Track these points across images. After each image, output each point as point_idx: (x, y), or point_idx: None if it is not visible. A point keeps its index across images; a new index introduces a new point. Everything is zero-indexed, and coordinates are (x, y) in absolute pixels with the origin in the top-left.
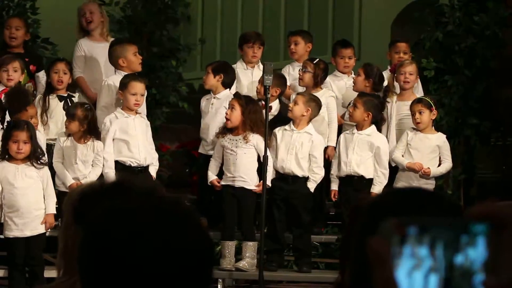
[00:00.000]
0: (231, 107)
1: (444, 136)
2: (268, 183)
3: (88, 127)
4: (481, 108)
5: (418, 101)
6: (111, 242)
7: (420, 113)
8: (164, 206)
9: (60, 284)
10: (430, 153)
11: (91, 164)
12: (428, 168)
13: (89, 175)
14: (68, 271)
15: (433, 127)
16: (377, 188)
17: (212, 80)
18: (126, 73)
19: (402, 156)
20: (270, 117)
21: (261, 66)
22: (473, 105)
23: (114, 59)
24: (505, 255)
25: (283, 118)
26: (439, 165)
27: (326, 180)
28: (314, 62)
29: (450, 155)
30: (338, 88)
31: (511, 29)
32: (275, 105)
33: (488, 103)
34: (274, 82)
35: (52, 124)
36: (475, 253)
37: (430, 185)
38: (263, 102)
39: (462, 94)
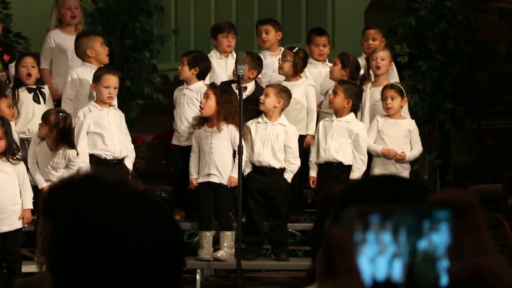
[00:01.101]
0: (205, 96)
1: (413, 121)
2: (243, 173)
3: (58, 135)
4: (455, 92)
5: (391, 86)
6: (79, 236)
7: (392, 98)
8: (133, 198)
9: (41, 278)
10: (402, 138)
11: (63, 172)
12: (403, 152)
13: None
14: (46, 266)
15: (400, 113)
16: (356, 174)
17: (187, 72)
18: (91, 65)
19: (374, 143)
20: (244, 96)
21: (235, 55)
22: (447, 90)
23: (81, 51)
24: (467, 241)
25: (257, 99)
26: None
27: (304, 169)
28: (294, 51)
29: (420, 139)
30: (313, 76)
31: (483, 13)
32: (250, 86)
33: (462, 87)
34: (250, 65)
35: (22, 116)
36: (439, 238)
37: (406, 169)
38: (244, 86)
39: (436, 79)
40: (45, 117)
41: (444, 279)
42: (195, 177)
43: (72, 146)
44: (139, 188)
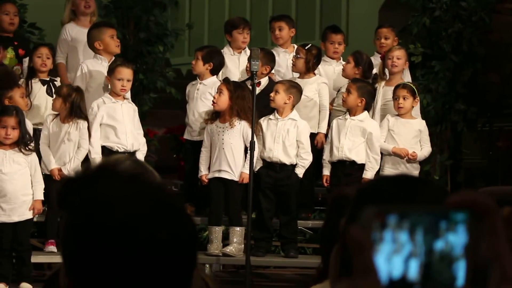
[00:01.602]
0: (219, 91)
1: (424, 121)
2: (254, 169)
3: (71, 106)
4: (468, 93)
5: (403, 86)
6: (92, 228)
7: (404, 98)
8: (147, 191)
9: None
10: (413, 138)
11: (75, 144)
12: (414, 152)
13: (74, 158)
14: None
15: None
16: (369, 173)
17: (201, 67)
18: (102, 57)
19: (385, 142)
20: (257, 91)
21: (248, 52)
22: (460, 91)
23: (91, 43)
24: (484, 243)
25: (270, 93)
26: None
27: (315, 165)
28: (306, 48)
29: (429, 140)
30: (327, 73)
31: (498, 14)
32: (263, 82)
33: (475, 88)
34: (263, 60)
35: (35, 108)
36: (455, 239)
37: (416, 169)
38: (257, 82)
39: (449, 79)
40: (58, 91)
41: (460, 280)
42: (205, 174)
43: (85, 118)
44: (153, 181)
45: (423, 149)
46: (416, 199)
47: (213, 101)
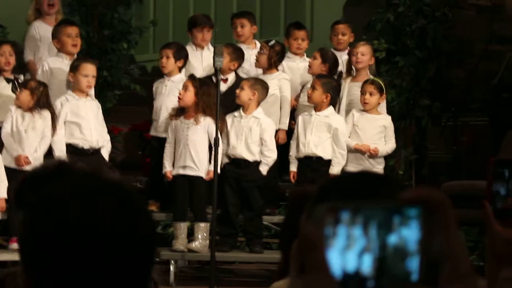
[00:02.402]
0: (185, 88)
1: (390, 117)
2: (218, 167)
3: (38, 100)
4: (432, 89)
5: (371, 82)
6: (48, 225)
7: (370, 94)
8: (104, 188)
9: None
10: (377, 133)
11: (40, 133)
12: (376, 147)
13: (39, 148)
14: None
15: (377, 109)
16: (336, 168)
17: (173, 65)
18: (63, 55)
19: (349, 137)
20: (225, 88)
21: (211, 48)
22: (424, 86)
23: (52, 41)
24: (437, 238)
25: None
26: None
27: (279, 161)
28: (270, 44)
29: (394, 136)
30: (291, 69)
31: (461, 10)
32: (230, 78)
33: (439, 84)
34: (232, 56)
35: (1, 106)
36: (409, 233)
37: (380, 164)
38: (223, 78)
39: (413, 75)
40: (24, 84)
41: (414, 275)
42: (169, 170)
43: (50, 107)
44: (112, 178)
45: (387, 145)
46: (376, 196)
47: (178, 97)
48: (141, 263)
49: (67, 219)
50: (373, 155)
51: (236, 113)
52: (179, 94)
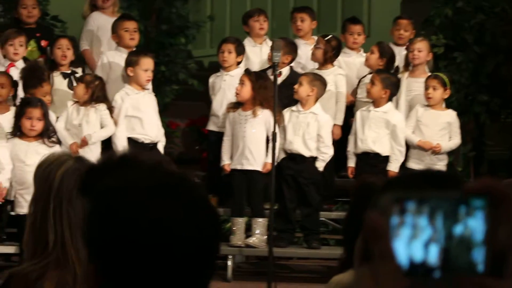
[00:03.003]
0: (241, 82)
1: (455, 113)
2: (276, 160)
3: (93, 93)
4: (491, 85)
5: (434, 77)
6: (116, 217)
7: (434, 88)
8: (170, 181)
9: (29, 267)
10: (441, 129)
11: (94, 127)
12: (438, 144)
13: (98, 133)
14: (38, 251)
15: (443, 105)
16: (394, 165)
17: (234, 59)
18: (122, 49)
19: (413, 133)
20: (279, 82)
21: (269, 43)
22: (483, 82)
23: (111, 35)
24: (501, 230)
25: (293, 82)
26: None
27: (335, 157)
28: (326, 38)
29: (459, 132)
30: (348, 64)
31: None
32: (285, 71)
33: (498, 80)
34: (285, 50)
35: (57, 102)
36: (475, 224)
37: (442, 161)
38: (279, 72)
39: (472, 71)
40: (81, 78)
41: (480, 266)
42: (228, 163)
43: (107, 101)
44: (175, 171)
45: (451, 141)
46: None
47: (236, 92)
48: (207, 257)
49: (132, 213)
50: (436, 152)
51: (294, 108)
52: (236, 89)
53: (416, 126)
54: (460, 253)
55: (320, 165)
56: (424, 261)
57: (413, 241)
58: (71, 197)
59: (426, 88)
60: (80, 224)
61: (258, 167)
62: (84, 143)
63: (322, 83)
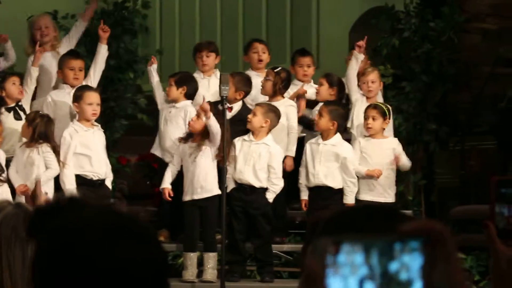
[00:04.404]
0: (197, 115)
1: (396, 139)
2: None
3: (33, 131)
4: (439, 113)
5: (374, 107)
6: (65, 256)
7: (373, 119)
8: (123, 221)
9: None
10: (386, 157)
11: (41, 167)
12: (397, 155)
13: (44, 175)
14: None
15: (382, 133)
16: (349, 198)
17: (175, 92)
18: (66, 85)
19: (359, 164)
20: (229, 116)
21: (218, 75)
22: (431, 111)
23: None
24: (438, 270)
25: (243, 119)
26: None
27: (287, 188)
28: (276, 70)
29: (405, 153)
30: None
31: (467, 34)
32: (236, 106)
33: (446, 108)
34: (238, 86)
35: (4, 136)
36: (410, 260)
37: (392, 190)
38: (229, 106)
39: (420, 100)
40: (27, 117)
41: None
42: (168, 188)
43: (48, 141)
44: (124, 211)
45: (404, 159)
46: (382, 229)
47: (189, 123)
48: None
49: (81, 251)
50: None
51: (246, 137)
52: (191, 120)
53: (361, 157)
54: None
55: (270, 197)
56: None
57: (349, 279)
58: (10, 241)
59: (366, 118)
60: (19, 267)
61: (212, 193)
62: (27, 191)
63: (277, 115)
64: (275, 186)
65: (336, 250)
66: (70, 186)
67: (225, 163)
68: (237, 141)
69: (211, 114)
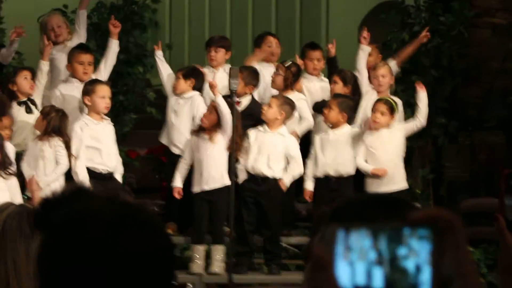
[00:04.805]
0: (209, 109)
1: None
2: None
3: (48, 125)
4: (449, 107)
5: (385, 102)
6: (69, 247)
7: (381, 113)
8: (129, 211)
9: None
10: (395, 146)
11: (51, 160)
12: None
13: (53, 173)
14: None
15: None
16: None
17: (184, 85)
18: (75, 80)
19: (365, 161)
20: (239, 110)
21: (227, 69)
22: (440, 105)
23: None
24: (447, 258)
25: (252, 113)
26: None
27: (296, 182)
28: (286, 65)
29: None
30: (309, 90)
31: (477, 28)
32: (245, 101)
33: (455, 102)
34: (246, 80)
35: (16, 130)
36: (419, 245)
37: (400, 183)
38: (237, 100)
39: (429, 94)
40: (42, 110)
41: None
42: (179, 187)
43: (61, 135)
44: (131, 202)
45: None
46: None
47: (202, 118)
48: (160, 285)
49: (88, 242)
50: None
51: (260, 128)
52: (203, 115)
53: (368, 153)
54: (405, 275)
55: (288, 179)
56: (368, 285)
57: (357, 264)
58: (14, 238)
59: (374, 111)
60: (24, 263)
61: (223, 184)
62: (34, 185)
63: (291, 107)
64: (295, 170)
65: (345, 236)
66: (83, 178)
67: (234, 154)
68: (251, 132)
69: (219, 95)
